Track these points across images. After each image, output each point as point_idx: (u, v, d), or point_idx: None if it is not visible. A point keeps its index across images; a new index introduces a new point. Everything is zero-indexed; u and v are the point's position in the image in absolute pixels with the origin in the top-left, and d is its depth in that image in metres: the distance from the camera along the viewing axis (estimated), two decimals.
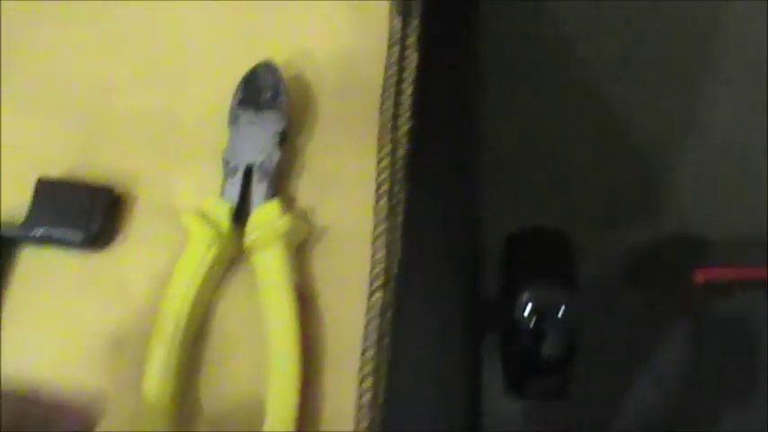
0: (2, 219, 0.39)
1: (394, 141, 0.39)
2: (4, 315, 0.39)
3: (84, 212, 0.39)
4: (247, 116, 0.38)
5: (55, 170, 0.40)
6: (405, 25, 0.40)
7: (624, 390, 0.67)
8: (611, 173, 0.60)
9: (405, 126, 0.39)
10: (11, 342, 0.38)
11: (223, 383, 0.37)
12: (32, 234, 0.39)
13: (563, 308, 0.40)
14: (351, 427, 0.35)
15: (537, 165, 0.52)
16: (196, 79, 0.41)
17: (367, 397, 0.36)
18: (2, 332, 0.38)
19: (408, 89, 0.39)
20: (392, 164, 0.38)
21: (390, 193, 0.38)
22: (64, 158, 0.40)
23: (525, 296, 0.40)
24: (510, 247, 0.41)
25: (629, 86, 0.59)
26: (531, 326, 0.40)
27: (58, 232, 0.39)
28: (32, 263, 0.39)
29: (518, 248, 0.41)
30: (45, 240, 0.39)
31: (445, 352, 0.38)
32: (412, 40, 0.40)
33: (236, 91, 0.39)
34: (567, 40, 0.56)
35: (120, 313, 0.38)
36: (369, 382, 0.36)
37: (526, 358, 0.41)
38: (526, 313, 0.40)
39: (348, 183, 0.38)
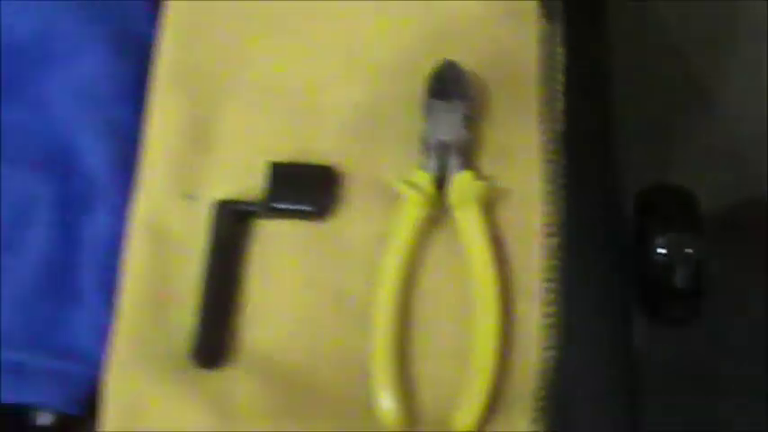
0: (240, 197, 0.50)
1: (552, 119, 0.49)
2: (247, 279, 0.49)
3: (312, 188, 0.49)
4: (438, 104, 0.49)
5: (279, 155, 0.50)
6: (551, 26, 0.50)
7: (714, 332, 0.75)
8: (703, 126, 0.68)
9: (560, 106, 0.49)
10: (254, 302, 0.49)
11: (433, 314, 0.47)
12: (270, 208, 0.49)
13: (692, 247, 0.50)
14: (537, 344, 0.46)
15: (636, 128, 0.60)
16: (389, 75, 0.51)
17: (550, 320, 0.46)
18: (246, 296, 0.48)
19: (559, 77, 0.50)
20: (553, 137, 0.48)
21: (554, 160, 0.48)
22: (286, 145, 0.51)
23: (663, 238, 0.50)
24: (644, 200, 0.51)
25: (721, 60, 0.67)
26: (668, 262, 0.50)
27: (291, 206, 0.49)
28: (268, 233, 0.50)
29: (652, 201, 0.51)
30: (280, 213, 0.49)
31: (604, 282, 0.48)
32: (558, 37, 0.50)
33: (428, 84, 0.49)
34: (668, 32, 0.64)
35: (345, 271, 0.48)
36: (551, 309, 0.46)
37: (661, 290, 0.51)
38: (663, 251, 0.50)
39: (519, 153, 0.49)
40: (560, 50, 0.50)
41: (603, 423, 0.45)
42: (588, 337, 0.46)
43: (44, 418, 0.50)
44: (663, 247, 0.50)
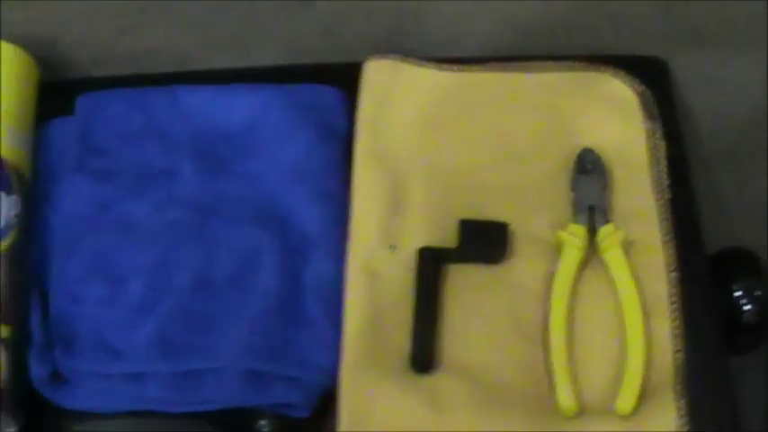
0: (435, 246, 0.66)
1: (661, 191, 0.68)
2: (444, 307, 0.65)
3: (491, 239, 0.66)
4: (583, 178, 0.68)
5: (458, 216, 0.66)
6: (653, 125, 0.70)
7: None
8: None
9: (665, 182, 0.69)
10: (451, 324, 0.64)
11: (590, 330, 0.64)
12: (460, 254, 0.66)
13: (760, 290, 0.69)
14: (670, 348, 0.63)
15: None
16: (534, 160, 0.70)
17: (676, 331, 0.64)
18: (444, 320, 0.64)
19: (662, 162, 0.69)
20: (663, 203, 0.67)
21: (666, 219, 0.67)
22: (462, 208, 0.67)
23: (739, 284, 0.69)
24: (720, 257, 0.71)
25: None
26: (742, 302, 0.69)
27: (476, 252, 0.66)
28: (459, 273, 0.66)
29: (728, 258, 0.71)
30: (467, 258, 0.66)
31: (707, 308, 0.66)
32: (659, 133, 0.70)
33: (574, 164, 0.68)
34: None
35: (518, 300, 0.65)
36: (676, 321, 0.64)
37: (735, 324, 0.70)
38: (739, 294, 0.69)
39: (639, 213, 0.67)
40: (662, 144, 0.70)
41: (717, 401, 0.63)
42: (703, 344, 0.65)
43: (269, 425, 0.64)
44: (738, 291, 0.70)
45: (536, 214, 0.68)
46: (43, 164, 0.72)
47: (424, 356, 0.63)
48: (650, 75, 0.73)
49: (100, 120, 0.73)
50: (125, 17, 0.73)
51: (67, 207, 0.70)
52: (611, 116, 0.71)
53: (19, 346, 0.64)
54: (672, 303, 0.64)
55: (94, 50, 0.76)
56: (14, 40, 0.72)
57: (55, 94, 0.75)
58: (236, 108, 0.72)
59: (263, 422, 0.64)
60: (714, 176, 0.85)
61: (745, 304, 0.70)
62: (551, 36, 0.74)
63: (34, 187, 0.70)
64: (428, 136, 0.71)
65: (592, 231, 0.66)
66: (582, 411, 0.61)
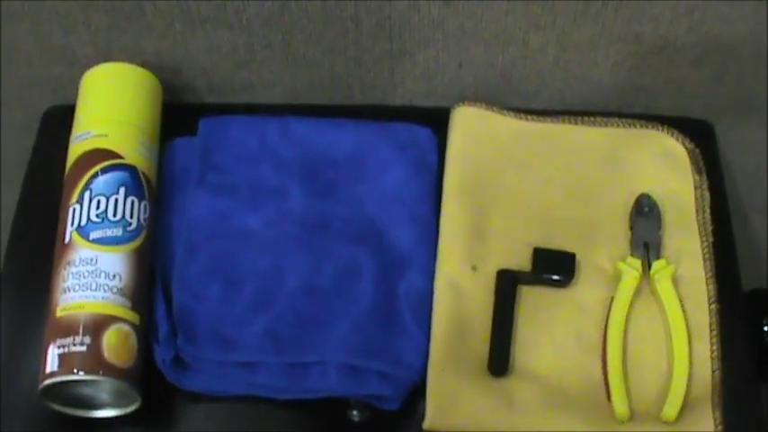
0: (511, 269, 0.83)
1: (706, 234, 0.85)
2: (519, 321, 0.81)
3: (559, 266, 0.82)
4: (640, 219, 0.84)
5: (531, 245, 0.83)
6: (699, 177, 0.87)
7: None
8: None
9: (709, 227, 0.85)
10: (524, 335, 0.80)
11: (642, 347, 0.80)
12: (533, 277, 0.82)
13: None
14: (709, 367, 0.79)
15: None
16: (599, 200, 0.86)
17: (715, 354, 0.80)
18: (517, 332, 0.81)
19: (707, 209, 0.86)
20: (707, 245, 0.84)
21: (709, 259, 0.84)
22: (534, 238, 0.84)
23: (767, 320, 0.86)
24: (755, 295, 0.88)
25: None
26: None
27: (549, 277, 0.82)
28: (530, 294, 0.82)
29: (761, 296, 0.88)
30: (538, 281, 0.82)
31: (740, 334, 0.83)
32: (705, 185, 0.87)
33: (633, 206, 0.85)
34: None
35: (581, 320, 0.81)
36: (714, 346, 0.80)
37: (765, 354, 0.87)
38: (766, 329, 0.86)
39: (686, 251, 0.84)
40: (707, 194, 0.87)
41: (747, 413, 0.80)
42: (737, 367, 0.81)
43: (360, 415, 0.80)
44: None
45: (599, 247, 0.84)
46: (168, 176, 0.88)
47: (500, 362, 0.79)
48: (699, 135, 0.90)
49: (220, 141, 0.89)
50: (244, 53, 0.90)
51: (190, 215, 0.86)
52: (665, 168, 0.88)
53: (145, 334, 0.80)
54: (712, 330, 0.81)
55: (213, 80, 0.93)
56: (147, 65, 0.88)
57: (175, 115, 0.91)
58: (343, 139, 0.89)
59: (355, 412, 0.79)
60: (751, 227, 1.03)
61: None
62: (617, 95, 0.92)
63: (159, 195, 0.87)
64: (508, 174, 0.88)
65: (646, 265, 0.83)
66: (633, 416, 0.77)
